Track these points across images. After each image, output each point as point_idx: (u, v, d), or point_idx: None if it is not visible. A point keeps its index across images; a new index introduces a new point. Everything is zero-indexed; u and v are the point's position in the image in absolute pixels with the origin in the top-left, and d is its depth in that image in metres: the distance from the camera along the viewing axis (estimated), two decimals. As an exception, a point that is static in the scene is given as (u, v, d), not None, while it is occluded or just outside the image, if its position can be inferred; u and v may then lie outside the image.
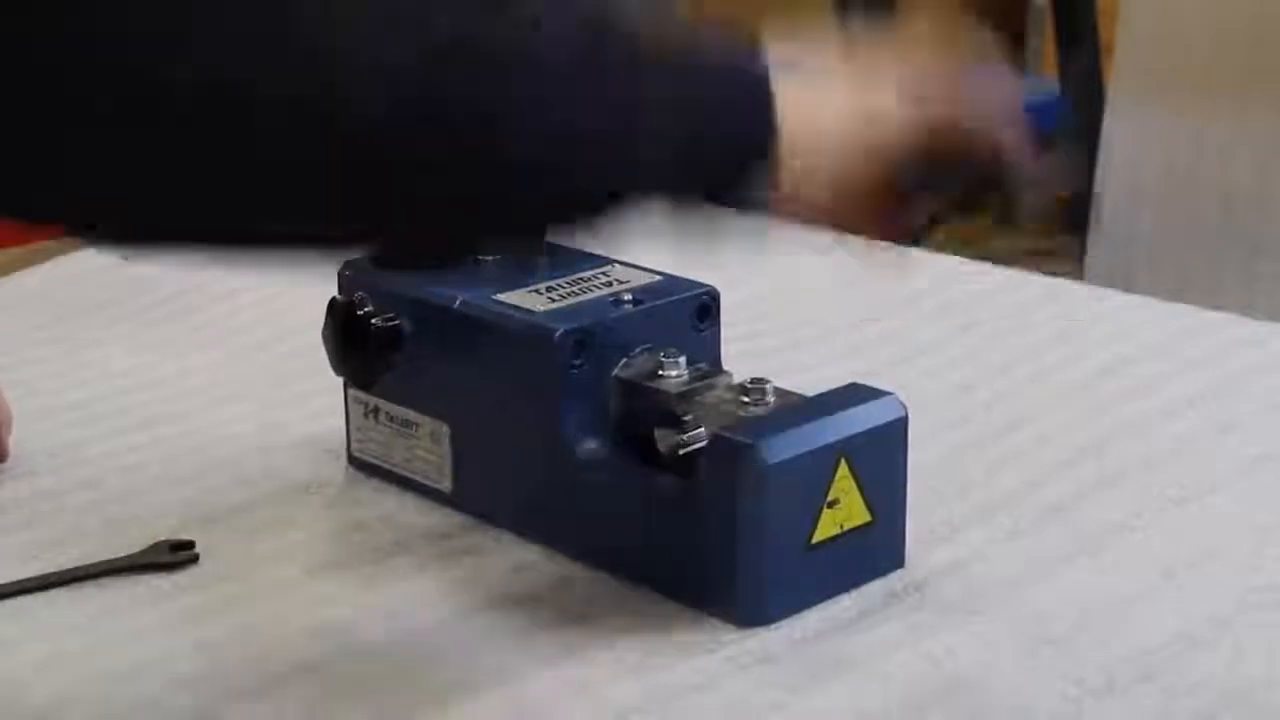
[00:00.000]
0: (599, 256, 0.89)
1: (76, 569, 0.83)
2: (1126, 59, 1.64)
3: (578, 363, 0.82)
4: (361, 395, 0.91)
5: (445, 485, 0.88)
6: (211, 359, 1.09)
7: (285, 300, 1.17)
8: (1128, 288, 1.31)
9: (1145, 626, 0.77)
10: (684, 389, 0.82)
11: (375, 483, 0.91)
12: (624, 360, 0.83)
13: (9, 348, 1.11)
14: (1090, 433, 0.96)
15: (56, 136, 0.59)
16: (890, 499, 0.81)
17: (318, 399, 0.99)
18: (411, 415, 0.89)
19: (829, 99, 0.70)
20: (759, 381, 0.81)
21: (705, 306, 0.86)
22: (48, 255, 1.28)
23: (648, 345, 0.83)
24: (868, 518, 0.80)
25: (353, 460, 0.93)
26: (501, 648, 0.77)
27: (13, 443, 0.94)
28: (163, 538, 0.85)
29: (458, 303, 0.85)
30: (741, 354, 0.92)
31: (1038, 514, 0.87)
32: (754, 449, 0.76)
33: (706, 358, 0.85)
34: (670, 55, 0.67)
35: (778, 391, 0.81)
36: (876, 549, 0.81)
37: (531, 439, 0.84)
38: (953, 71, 0.72)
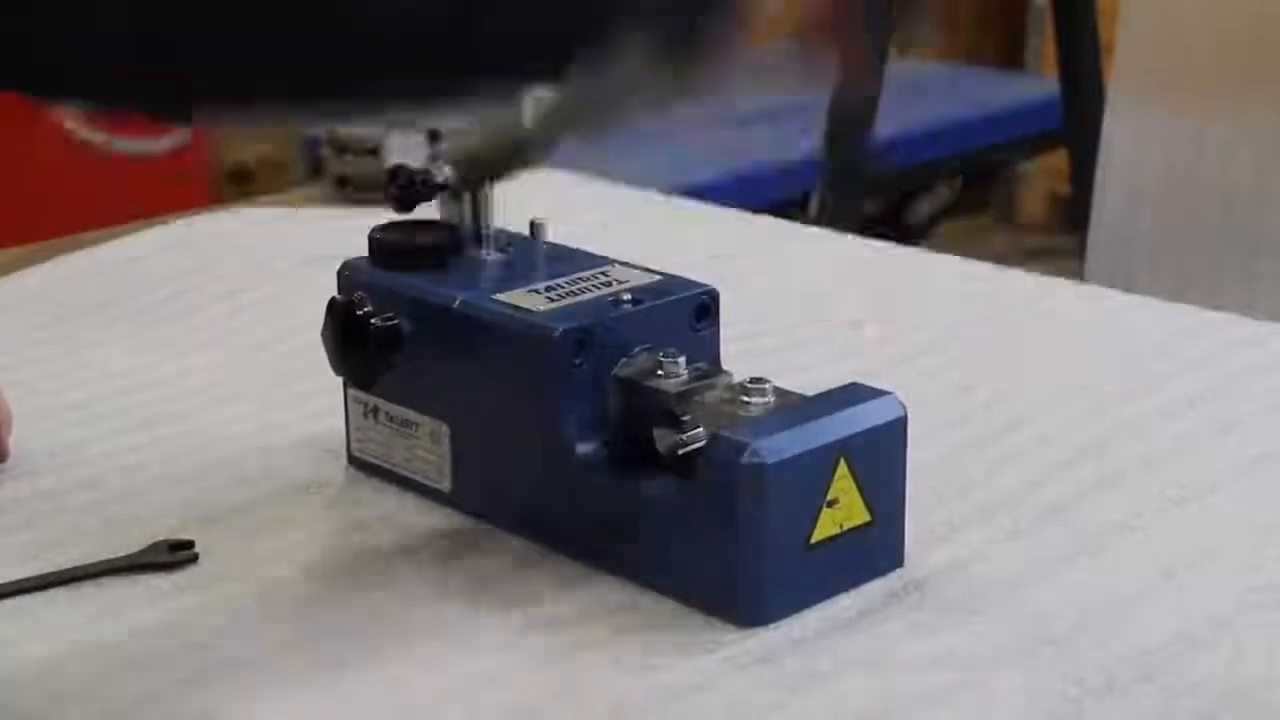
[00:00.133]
0: (599, 256, 0.89)
1: (76, 569, 0.83)
2: (1126, 59, 1.64)
3: (578, 362, 0.82)
4: (361, 395, 0.91)
5: (445, 485, 0.88)
6: (211, 359, 1.09)
7: (285, 300, 1.17)
8: (1128, 288, 1.30)
9: (1145, 626, 0.77)
10: (683, 389, 0.82)
11: (375, 483, 0.92)
12: (624, 360, 0.83)
13: (9, 348, 1.11)
14: (1090, 433, 0.96)
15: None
16: (890, 499, 0.81)
17: (318, 399, 0.99)
18: (411, 415, 0.89)
19: None
20: (758, 381, 0.81)
21: (704, 306, 0.86)
22: (48, 255, 1.28)
23: (647, 345, 0.83)
24: (867, 517, 0.80)
25: (353, 460, 0.93)
26: (501, 647, 0.77)
27: (13, 443, 0.94)
28: (163, 538, 0.85)
29: (458, 303, 0.85)
30: (741, 354, 0.92)
31: (1038, 514, 0.87)
32: (753, 449, 0.76)
33: (706, 357, 0.85)
34: None
35: (777, 391, 0.81)
36: (876, 549, 0.81)
37: (531, 439, 0.84)
38: None
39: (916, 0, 0.77)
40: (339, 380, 0.91)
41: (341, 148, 1.38)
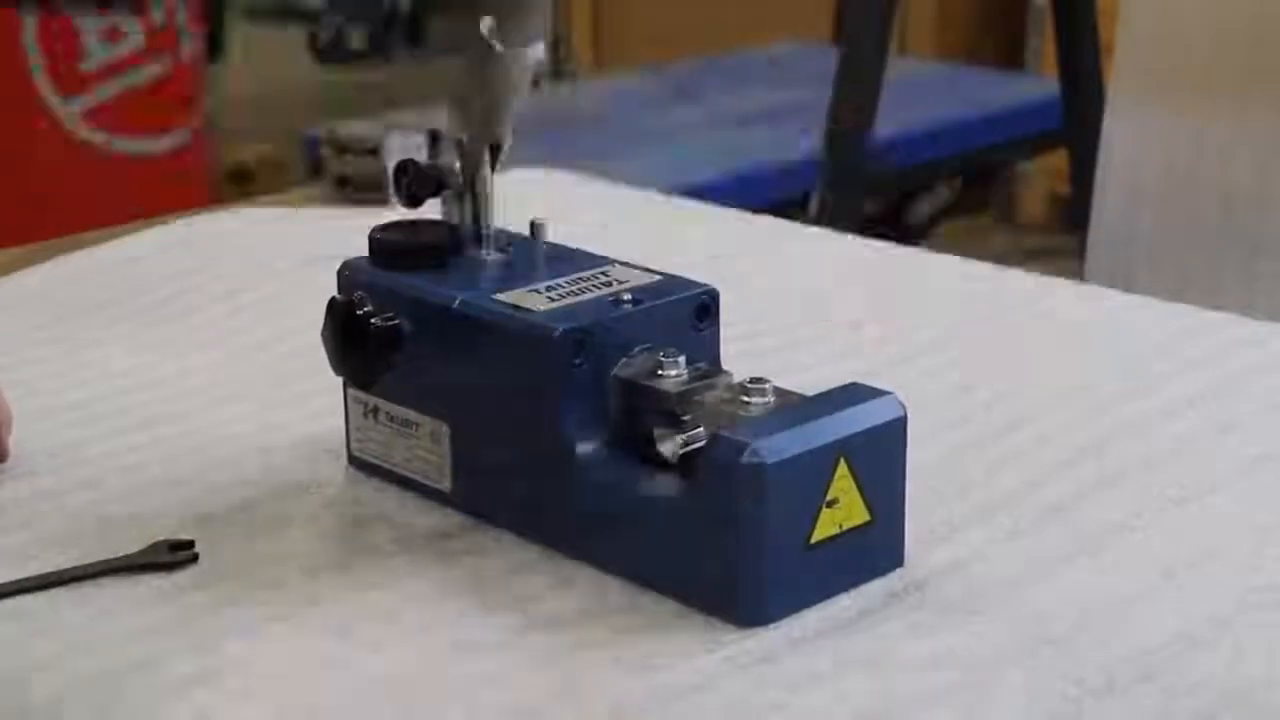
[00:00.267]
0: (599, 256, 0.89)
1: (76, 569, 0.83)
2: (1126, 59, 1.64)
3: (578, 363, 0.82)
4: (361, 395, 0.91)
5: (445, 485, 0.88)
6: (211, 359, 1.09)
7: (285, 300, 1.17)
8: (1128, 288, 1.31)
9: (1145, 626, 0.77)
10: (684, 389, 0.82)
11: (375, 483, 0.92)
12: (624, 360, 0.83)
13: (9, 348, 1.11)
14: (1090, 433, 0.96)
15: None
16: (890, 498, 0.81)
17: (318, 399, 0.99)
18: (411, 415, 0.89)
19: None
20: (759, 381, 0.81)
21: (705, 306, 0.86)
22: (48, 255, 1.28)
23: (647, 345, 0.84)
24: (867, 517, 0.80)
25: (353, 460, 0.93)
26: (500, 648, 0.77)
27: (13, 443, 0.94)
28: (163, 538, 0.85)
29: (458, 303, 0.85)
30: (741, 354, 0.92)
31: (1038, 514, 0.87)
32: (753, 449, 0.76)
33: (706, 357, 0.85)
34: None
35: (777, 391, 0.81)
36: (876, 548, 0.81)
37: (531, 439, 0.84)
38: None
39: None
40: (339, 380, 0.91)
41: (341, 148, 1.38)
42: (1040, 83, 3.33)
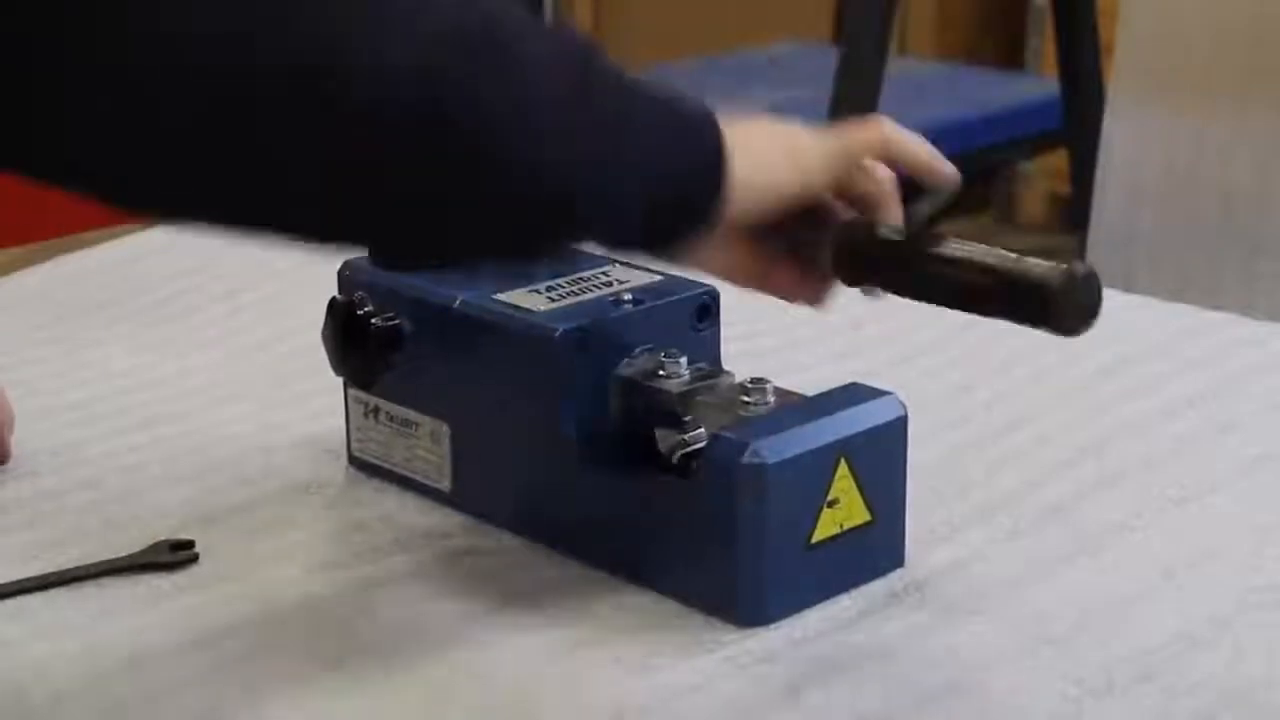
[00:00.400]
0: (599, 257, 0.89)
1: (76, 569, 0.83)
2: (1126, 59, 1.64)
3: (578, 362, 0.82)
4: (361, 395, 0.91)
5: (445, 485, 0.88)
6: (211, 359, 1.09)
7: (285, 300, 1.17)
8: (1128, 288, 1.30)
9: (1145, 626, 0.77)
10: (684, 389, 0.82)
11: (375, 483, 0.92)
12: (625, 360, 0.83)
13: (9, 348, 1.11)
14: (1090, 433, 0.96)
15: (62, 95, 0.59)
16: (890, 499, 0.81)
17: (318, 399, 0.99)
18: (411, 415, 0.89)
19: (763, 142, 0.72)
20: (759, 381, 0.81)
21: (705, 306, 0.86)
22: (48, 255, 1.28)
23: (648, 345, 0.83)
24: (867, 517, 0.80)
25: (353, 460, 0.93)
26: (501, 647, 0.77)
27: (14, 442, 0.94)
28: (163, 538, 0.85)
29: (458, 303, 0.85)
30: (741, 354, 0.92)
31: (1038, 514, 0.87)
32: (754, 449, 0.76)
33: (706, 358, 0.85)
34: (647, 91, 0.69)
35: (778, 391, 0.81)
36: (876, 549, 0.81)
37: (532, 439, 0.84)
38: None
39: None
40: (339, 380, 0.91)
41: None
42: (1040, 83, 3.32)
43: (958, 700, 0.73)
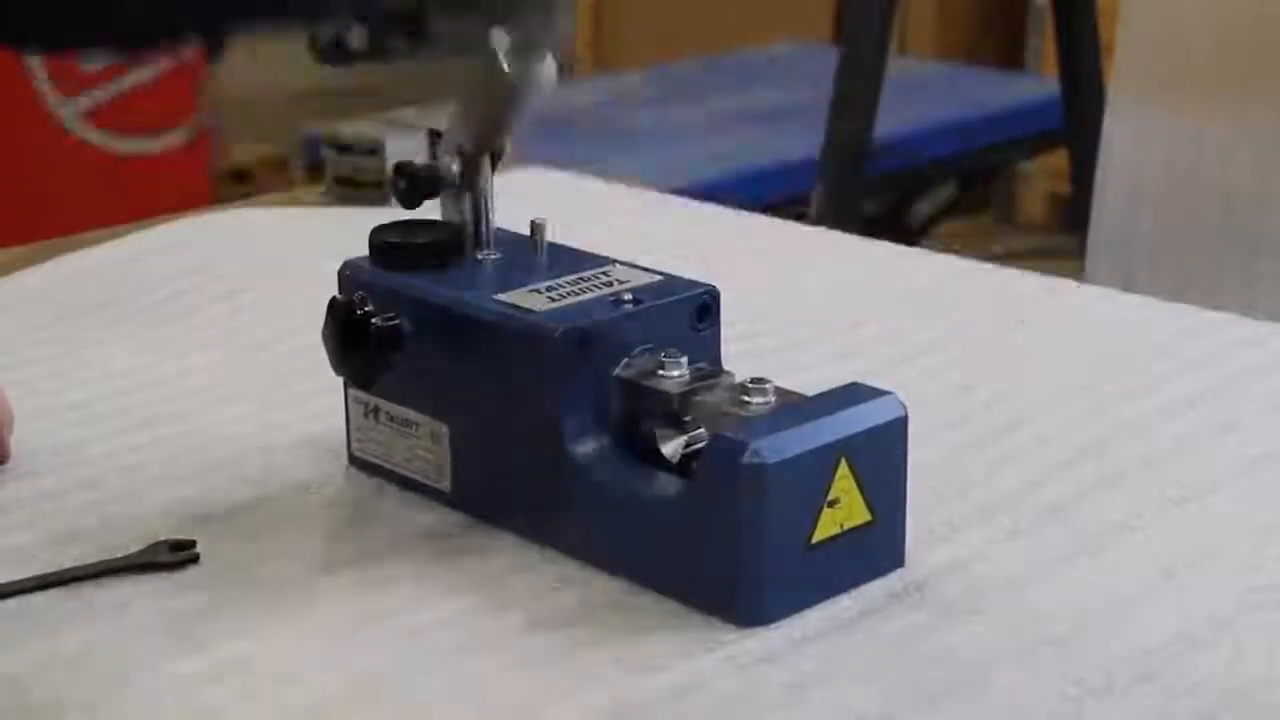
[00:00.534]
0: (599, 256, 0.89)
1: (76, 569, 0.83)
2: (1126, 59, 1.64)
3: (578, 363, 0.82)
4: (361, 395, 0.91)
5: (445, 485, 0.88)
6: (211, 359, 1.09)
7: (285, 300, 1.17)
8: (1128, 288, 1.31)
9: (1145, 626, 0.77)
10: (684, 389, 0.82)
11: (375, 483, 0.92)
12: (625, 360, 0.83)
13: (9, 348, 1.11)
14: (1090, 433, 0.96)
15: None
16: (890, 498, 0.81)
17: (318, 399, 0.99)
18: (411, 415, 0.89)
19: None
20: (759, 381, 0.81)
21: (705, 306, 0.86)
22: (48, 255, 1.28)
23: (648, 345, 0.83)
24: (868, 517, 0.80)
25: (353, 460, 0.93)
26: (500, 647, 0.77)
27: (13, 442, 0.94)
28: (163, 538, 0.85)
29: (458, 303, 0.85)
30: (740, 354, 0.92)
31: (1038, 514, 0.87)
32: (754, 449, 0.76)
33: (706, 357, 0.85)
34: None
35: (778, 391, 0.81)
36: (876, 548, 0.81)
37: (531, 439, 0.84)
38: None
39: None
40: (339, 380, 0.91)
41: (341, 148, 1.38)
42: (1040, 83, 3.33)
43: (958, 700, 0.73)
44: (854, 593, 0.80)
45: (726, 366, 0.85)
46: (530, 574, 0.83)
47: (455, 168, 0.89)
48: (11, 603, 0.81)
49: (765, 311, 1.13)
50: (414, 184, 0.88)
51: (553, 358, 0.82)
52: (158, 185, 3.24)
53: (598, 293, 0.86)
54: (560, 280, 0.87)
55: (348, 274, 0.89)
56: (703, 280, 0.87)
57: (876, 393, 0.81)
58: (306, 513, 0.89)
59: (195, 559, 0.84)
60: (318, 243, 1.17)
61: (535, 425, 0.83)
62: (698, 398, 0.81)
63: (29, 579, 0.82)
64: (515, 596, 0.81)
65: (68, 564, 0.84)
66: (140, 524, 0.87)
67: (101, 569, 0.83)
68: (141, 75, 3.28)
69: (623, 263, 0.89)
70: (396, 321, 0.86)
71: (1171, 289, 1.39)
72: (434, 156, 0.90)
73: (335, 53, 0.86)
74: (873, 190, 2.76)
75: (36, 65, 3.17)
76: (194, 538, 0.85)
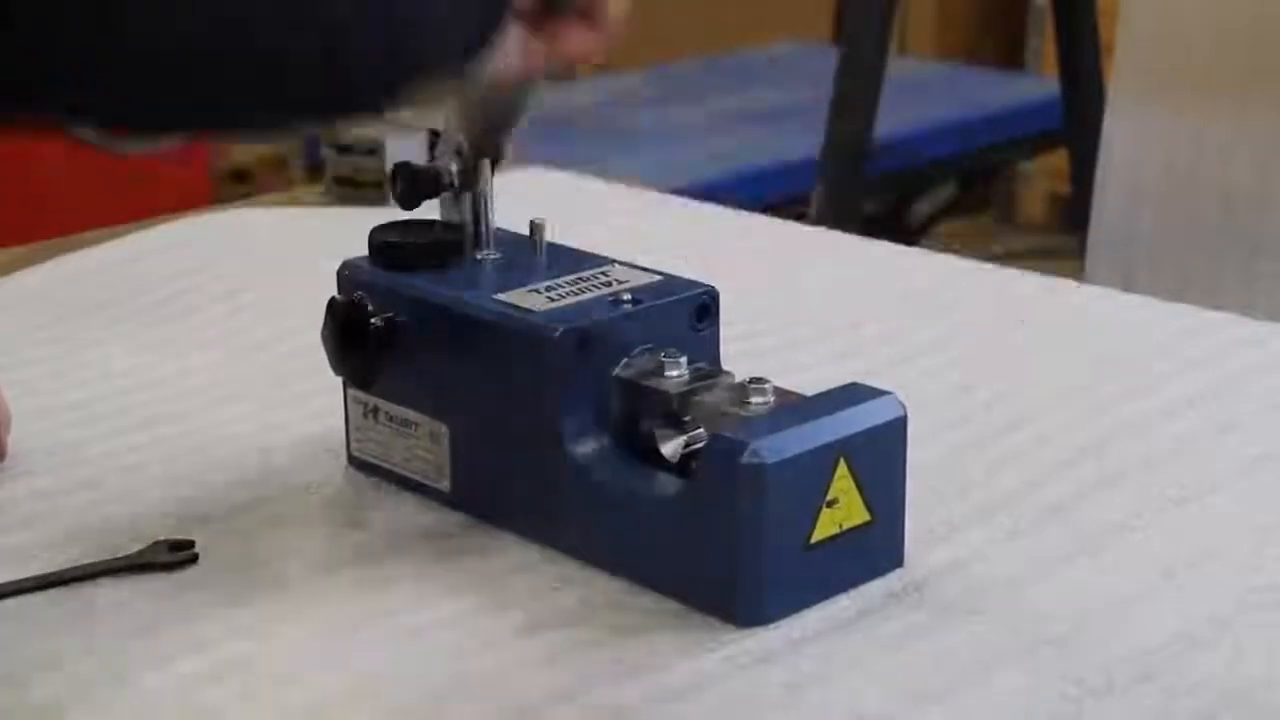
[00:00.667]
0: (599, 257, 0.89)
1: (76, 569, 0.83)
2: (1126, 59, 1.64)
3: (578, 363, 0.82)
4: (361, 395, 0.91)
5: (445, 485, 0.88)
6: (211, 359, 1.09)
7: (285, 300, 1.17)
8: (1128, 288, 1.31)
9: (1145, 626, 0.77)
10: (684, 389, 0.82)
11: (375, 483, 0.92)
12: (624, 360, 0.83)
13: (9, 348, 1.11)
14: (1090, 433, 0.96)
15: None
16: (890, 499, 0.81)
17: (318, 399, 0.99)
18: (411, 415, 0.89)
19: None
20: (759, 381, 0.81)
21: (705, 306, 0.86)
22: (48, 255, 1.28)
23: (648, 345, 0.83)
24: (867, 517, 0.80)
25: (353, 460, 0.93)
26: (500, 647, 0.77)
27: (12, 442, 0.94)
28: (162, 538, 0.85)
29: (458, 303, 0.85)
30: (740, 354, 0.92)
31: (1038, 514, 0.87)
32: (753, 449, 0.76)
33: (706, 357, 0.85)
34: None
35: (777, 391, 0.81)
36: (876, 549, 0.81)
37: (531, 439, 0.84)
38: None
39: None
40: (339, 380, 0.91)
41: (341, 148, 1.38)
42: (1040, 83, 3.33)
43: (958, 700, 0.73)
44: (853, 593, 0.80)
45: (726, 366, 0.85)
46: (530, 574, 0.83)
47: (455, 168, 0.89)
48: (11, 603, 0.81)
49: (765, 311, 1.13)
50: (414, 184, 0.88)
51: (552, 358, 0.82)
52: (158, 185, 3.24)
53: (597, 293, 0.86)
54: (560, 280, 0.87)
55: (347, 274, 0.89)
56: (702, 280, 0.87)
57: (876, 393, 0.81)
58: (306, 513, 0.89)
59: (194, 559, 0.84)
60: (318, 243, 1.17)
61: (535, 425, 0.83)
62: (697, 398, 0.81)
63: (29, 579, 0.82)
64: (515, 596, 0.81)
65: (68, 564, 0.84)
66: (139, 524, 0.87)
67: (101, 569, 0.83)
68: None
69: (622, 263, 0.89)
70: (396, 321, 0.86)
71: (1171, 289, 1.39)
72: (434, 157, 0.90)
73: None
74: (873, 190, 2.76)
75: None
76: (193, 538, 0.85)
